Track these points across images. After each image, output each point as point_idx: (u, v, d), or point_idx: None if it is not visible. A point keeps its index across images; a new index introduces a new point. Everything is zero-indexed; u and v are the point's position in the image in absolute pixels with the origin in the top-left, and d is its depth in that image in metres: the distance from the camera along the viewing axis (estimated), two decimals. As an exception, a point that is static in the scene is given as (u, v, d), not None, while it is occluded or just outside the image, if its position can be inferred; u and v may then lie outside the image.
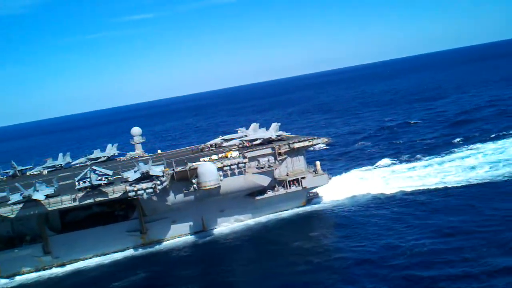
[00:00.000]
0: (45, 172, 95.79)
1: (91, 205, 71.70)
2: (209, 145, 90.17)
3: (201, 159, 74.30)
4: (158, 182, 65.61)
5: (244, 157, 73.74)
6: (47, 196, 65.11)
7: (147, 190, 64.54)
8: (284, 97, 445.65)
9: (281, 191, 77.96)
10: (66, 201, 65.66)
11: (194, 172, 70.08)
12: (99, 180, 66.30)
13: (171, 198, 71.24)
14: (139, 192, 64.48)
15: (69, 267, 72.55)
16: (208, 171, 67.65)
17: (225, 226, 78.13)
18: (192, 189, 71.14)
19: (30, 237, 70.42)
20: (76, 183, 67.39)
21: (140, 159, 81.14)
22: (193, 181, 69.48)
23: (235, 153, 74.91)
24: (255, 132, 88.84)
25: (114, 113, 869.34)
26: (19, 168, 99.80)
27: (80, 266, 72.39)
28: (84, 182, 66.21)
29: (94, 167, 70.49)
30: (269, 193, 77.32)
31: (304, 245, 67.04)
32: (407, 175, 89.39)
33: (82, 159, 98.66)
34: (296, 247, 66.54)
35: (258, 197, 76.87)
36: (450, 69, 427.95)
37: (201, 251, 72.18)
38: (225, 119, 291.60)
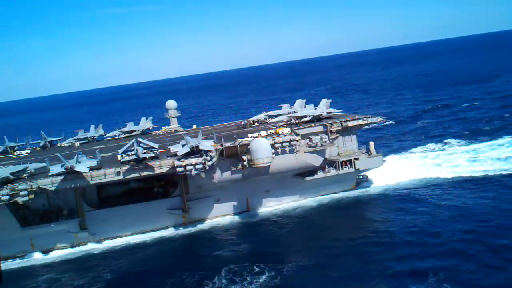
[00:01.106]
0: (77, 144, 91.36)
1: (129, 180, 67.05)
2: (251, 121, 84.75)
3: (249, 135, 68.93)
4: (208, 158, 60.57)
5: (297, 135, 68.22)
6: (90, 169, 60.33)
7: (197, 166, 59.53)
8: (308, 77, 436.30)
9: (332, 172, 72.55)
10: (110, 175, 60.97)
11: (244, 148, 64.88)
12: (145, 153, 61.21)
13: (218, 175, 66.21)
14: (188, 168, 59.49)
15: (105, 244, 68.40)
16: (261, 147, 62.32)
17: (270, 207, 73.24)
18: (240, 166, 65.98)
19: (67, 211, 65.92)
20: (120, 156, 62.64)
21: (184, 132, 75.59)
22: (243, 158, 64.24)
23: (286, 130, 69.48)
24: (302, 108, 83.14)
25: (131, 89, 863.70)
26: (49, 139, 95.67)
27: (117, 244, 68.16)
28: (129, 155, 61.32)
29: (139, 139, 65.48)
30: (320, 174, 71.96)
31: (353, 231, 62.29)
32: (465, 157, 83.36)
33: (115, 132, 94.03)
34: (345, 233, 61.80)
35: (308, 178, 71.56)
36: (483, 54, 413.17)
37: (244, 232, 67.51)
38: (254, 98, 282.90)
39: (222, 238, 65.99)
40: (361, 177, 78.23)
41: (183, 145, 62.57)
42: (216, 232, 67.93)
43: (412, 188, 73.63)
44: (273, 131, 70.89)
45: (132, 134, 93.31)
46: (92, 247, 67.78)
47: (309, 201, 74.21)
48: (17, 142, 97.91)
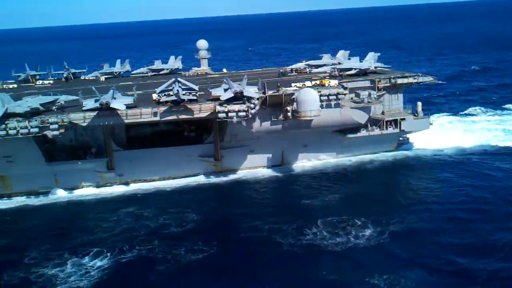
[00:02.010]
0: (103, 78, 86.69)
1: (159, 122, 62.83)
2: (289, 69, 79.56)
3: (292, 85, 64.05)
4: (252, 105, 56.06)
5: (344, 88, 63.30)
6: (126, 107, 56.01)
7: (240, 113, 55.18)
8: (331, 29, 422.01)
9: (375, 131, 68.05)
10: (146, 115, 56.71)
11: (288, 98, 60.20)
12: (184, 95, 56.62)
13: (257, 125, 61.85)
14: (230, 114, 55.17)
15: (132, 187, 65.13)
16: (310, 98, 57.64)
17: (305, 162, 69.40)
18: (281, 117, 61.56)
19: (95, 149, 62.16)
20: (157, 95, 58.20)
21: (218, 76, 70.48)
22: (288, 108, 59.65)
23: (333, 82, 64.43)
24: (345, 60, 77.71)
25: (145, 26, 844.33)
26: (73, 70, 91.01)
27: (144, 187, 64.87)
28: (166, 95, 56.84)
29: (179, 79, 60.72)
30: (363, 132, 67.50)
31: (391, 194, 59.40)
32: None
33: (143, 69, 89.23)
34: (383, 195, 58.82)
35: (350, 135, 67.23)
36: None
37: (277, 186, 64.15)
38: (280, 45, 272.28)
39: (252, 191, 62.44)
40: (402, 138, 73.80)
41: (225, 89, 57.93)
42: (247, 184, 64.36)
43: (460, 155, 69.47)
44: (318, 82, 65.89)
45: (160, 72, 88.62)
46: (117, 189, 64.54)
47: (347, 159, 70.38)
48: (38, 71, 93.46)
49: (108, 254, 47.31)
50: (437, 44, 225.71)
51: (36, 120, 53.14)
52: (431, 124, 71.26)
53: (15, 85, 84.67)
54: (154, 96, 60.68)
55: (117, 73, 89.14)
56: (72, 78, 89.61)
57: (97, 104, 54.63)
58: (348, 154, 70.56)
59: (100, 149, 62.78)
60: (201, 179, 66.38)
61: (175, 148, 65.07)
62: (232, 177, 66.63)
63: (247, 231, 50.62)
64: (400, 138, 73.58)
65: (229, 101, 56.56)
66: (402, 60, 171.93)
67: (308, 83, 64.91)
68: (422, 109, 70.95)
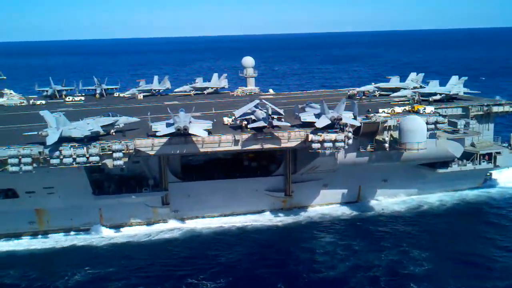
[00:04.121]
0: (141, 96, 77.63)
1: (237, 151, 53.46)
2: (355, 92, 70.86)
3: (380, 110, 55.17)
4: (350, 135, 46.96)
5: (443, 116, 54.45)
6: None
7: (337, 144, 46.03)
8: (345, 51, 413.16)
9: (468, 166, 59.05)
10: (226, 144, 47.29)
11: (382, 126, 51.34)
12: (268, 119, 47.06)
13: (341, 156, 52.74)
14: (326, 145, 45.94)
15: (188, 224, 55.60)
16: (418, 128, 48.72)
17: (383, 199, 60.43)
18: (369, 148, 52.59)
19: (153, 181, 52.61)
20: (231, 120, 49.10)
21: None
22: (385, 138, 50.59)
23: (428, 108, 55.57)
24: (417, 83, 69.12)
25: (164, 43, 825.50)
26: (104, 86, 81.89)
27: (201, 225, 55.59)
28: (247, 120, 47.67)
29: (262, 101, 51.59)
30: (454, 167, 58.52)
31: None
32: None
33: (185, 87, 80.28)
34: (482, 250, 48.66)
35: (441, 170, 58.22)
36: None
37: (355, 228, 54.99)
38: (318, 66, 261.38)
39: (326, 231, 53.42)
40: (488, 174, 65.08)
41: (316, 115, 48.76)
42: (320, 224, 55.27)
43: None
44: (407, 108, 57.15)
45: (204, 91, 79.74)
46: (170, 226, 55.00)
47: (430, 196, 61.58)
48: (64, 86, 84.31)
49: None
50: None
51: (95, 147, 43.47)
52: (527, 159, 62.41)
53: (43, 101, 75.34)
54: (226, 120, 51.57)
55: (156, 90, 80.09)
56: (105, 94, 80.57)
57: (171, 129, 45.07)
58: (430, 191, 61.70)
59: (156, 180, 53.18)
60: (267, 217, 57.04)
61: (239, 180, 55.87)
62: (304, 215, 57.41)
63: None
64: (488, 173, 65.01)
65: (324, 128, 47.34)
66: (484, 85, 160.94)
67: (397, 109, 56.08)
68: (516, 142, 62.14)
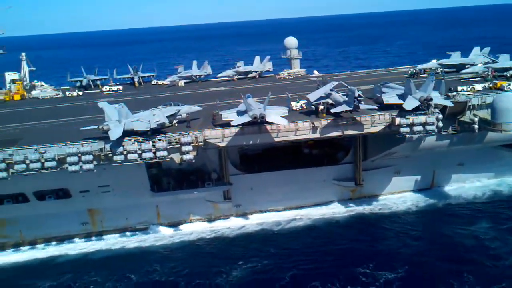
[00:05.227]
0: (181, 83, 72.91)
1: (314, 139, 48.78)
2: (417, 70, 65.42)
3: (459, 88, 49.87)
4: (440, 116, 41.91)
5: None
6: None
7: (427, 127, 40.99)
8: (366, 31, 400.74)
9: (553, 147, 53.62)
10: (304, 131, 42.45)
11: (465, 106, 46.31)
12: (353, 102, 42.03)
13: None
14: (416, 129, 40.94)
15: (252, 220, 51.14)
16: (513, 107, 43.26)
17: (460, 184, 55.47)
18: (450, 130, 47.42)
19: (216, 175, 48.08)
20: (300, 104, 44.24)
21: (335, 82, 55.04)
22: (474, 119, 45.36)
23: (513, 84, 50.16)
24: (479, 58, 63.59)
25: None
26: (141, 74, 77.36)
27: (265, 220, 51.18)
28: (327, 104, 42.74)
29: (342, 83, 46.59)
30: (538, 148, 53.08)
31: None
32: None
33: (228, 72, 75.26)
34: None
35: (524, 152, 52.86)
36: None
37: (430, 217, 50.10)
38: (343, 48, 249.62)
39: (401, 222, 48.92)
40: None
41: (399, 95, 43.66)
42: (394, 215, 50.58)
43: None
44: (486, 85, 51.88)
45: (248, 75, 74.85)
46: (234, 222, 50.62)
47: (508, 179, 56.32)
48: (96, 75, 79.93)
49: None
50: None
51: (161, 141, 38.83)
52: None
53: (79, 93, 71.00)
54: (294, 105, 46.71)
55: (196, 76, 75.31)
56: (142, 82, 76.12)
57: (245, 118, 40.26)
58: (507, 175, 56.52)
59: (217, 174, 48.65)
60: (336, 208, 52.38)
61: (306, 170, 51.21)
62: (376, 205, 52.66)
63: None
64: None
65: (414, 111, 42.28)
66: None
67: (477, 86, 50.80)
68: None
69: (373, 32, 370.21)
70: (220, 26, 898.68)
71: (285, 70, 76.51)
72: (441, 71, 64.62)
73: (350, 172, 52.40)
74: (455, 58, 66.56)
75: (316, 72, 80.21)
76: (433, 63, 65.82)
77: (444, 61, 65.47)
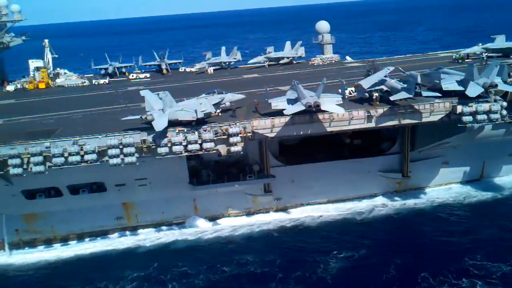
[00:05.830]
0: (211, 70, 70.33)
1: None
2: (461, 55, 62.19)
3: (514, 73, 46.61)
4: (504, 104, 38.97)
5: None
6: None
7: (492, 115, 38.03)
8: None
9: None
10: (358, 120, 39.72)
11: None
12: (413, 89, 38.90)
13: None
14: (479, 118, 38.03)
15: (293, 214, 48.64)
16: None
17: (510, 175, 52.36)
18: (507, 118, 44.21)
19: (258, 167, 45.58)
20: (354, 91, 41.40)
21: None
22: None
23: None
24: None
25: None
26: (168, 61, 74.90)
27: (307, 214, 48.51)
28: (379, 91, 39.92)
29: (399, 67, 43.70)
30: None
31: None
32: None
33: (260, 58, 73.05)
34: None
35: None
36: None
37: (480, 210, 47.15)
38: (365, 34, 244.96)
39: (446, 217, 45.92)
40: None
41: (459, 82, 40.68)
42: (440, 209, 47.59)
43: None
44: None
45: (281, 62, 72.10)
46: (276, 216, 48.14)
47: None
48: (121, 63, 77.74)
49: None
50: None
51: (208, 131, 36.31)
52: None
53: (106, 81, 68.82)
54: (348, 92, 43.93)
55: (226, 63, 72.65)
56: (169, 69, 73.70)
57: (298, 106, 37.56)
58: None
59: (259, 166, 46.13)
60: (382, 201, 49.67)
61: (350, 161, 48.50)
62: (424, 198, 49.85)
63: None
64: None
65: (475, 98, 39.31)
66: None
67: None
68: None
69: (388, 19, 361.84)
70: (233, 14, 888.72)
71: (317, 56, 73.56)
72: (486, 55, 61.43)
73: (397, 163, 49.60)
74: (501, 42, 63.09)
75: (348, 58, 77.15)
76: (478, 47, 62.38)
77: (490, 45, 62.07)
